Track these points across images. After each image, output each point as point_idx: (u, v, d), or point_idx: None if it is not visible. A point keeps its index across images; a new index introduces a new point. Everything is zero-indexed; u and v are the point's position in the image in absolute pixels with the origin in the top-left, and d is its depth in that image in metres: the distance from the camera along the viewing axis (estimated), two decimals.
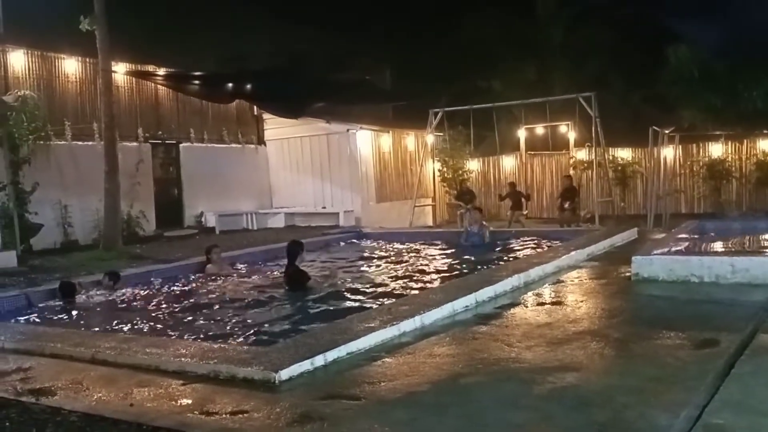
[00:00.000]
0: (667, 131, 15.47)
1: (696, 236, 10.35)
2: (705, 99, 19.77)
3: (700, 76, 19.92)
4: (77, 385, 4.45)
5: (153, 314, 7.57)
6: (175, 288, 9.16)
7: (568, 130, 18.67)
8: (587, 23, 23.00)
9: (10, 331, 6.06)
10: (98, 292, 8.47)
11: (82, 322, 7.35)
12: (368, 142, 18.72)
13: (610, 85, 21.64)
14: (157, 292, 8.93)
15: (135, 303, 8.31)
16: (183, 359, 4.68)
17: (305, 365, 4.44)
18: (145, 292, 8.84)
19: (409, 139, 20.05)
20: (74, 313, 7.77)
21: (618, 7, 23.28)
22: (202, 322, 7.10)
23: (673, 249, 8.30)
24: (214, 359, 4.62)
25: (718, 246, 10.07)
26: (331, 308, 7.39)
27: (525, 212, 17.31)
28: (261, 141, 19.82)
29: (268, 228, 17.92)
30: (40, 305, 8.05)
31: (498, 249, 11.59)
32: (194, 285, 9.35)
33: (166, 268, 10.18)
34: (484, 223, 12.72)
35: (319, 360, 4.55)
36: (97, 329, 6.80)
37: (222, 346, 5.35)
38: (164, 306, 8.01)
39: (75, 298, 8.18)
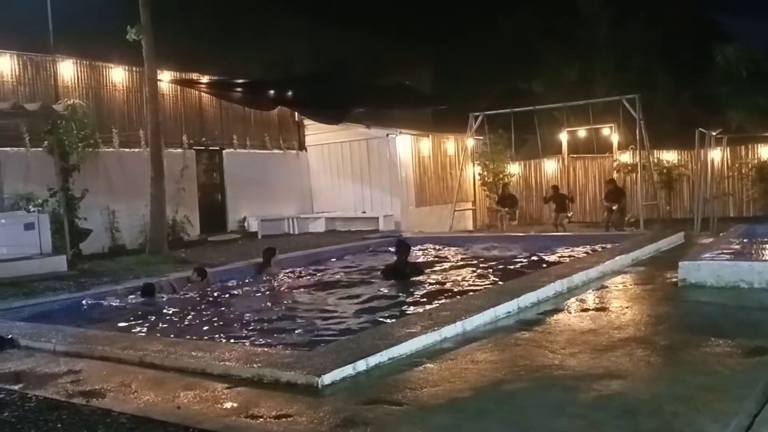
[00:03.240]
0: (714, 133, 15.11)
1: (745, 241, 10.08)
2: (754, 99, 19.24)
3: (749, 75, 19.40)
4: (126, 387, 4.55)
5: (225, 316, 7.79)
6: (248, 288, 9.47)
7: (611, 133, 18.38)
8: (631, 22, 22.58)
9: (60, 334, 6.22)
10: (187, 288, 9.12)
11: (154, 322, 7.68)
12: (408, 147, 18.73)
13: (654, 85, 21.23)
14: (225, 293, 9.19)
15: (206, 305, 8.55)
16: (228, 363, 4.76)
17: (347, 370, 4.46)
18: (212, 295, 9.12)
19: (449, 143, 19.99)
20: (150, 313, 8.11)
21: (663, 5, 22.76)
22: (273, 322, 7.33)
23: (722, 254, 8.10)
24: (258, 363, 4.68)
25: None
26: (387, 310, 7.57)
27: (569, 215, 17.11)
28: (302, 146, 20.01)
29: (309, 232, 18.07)
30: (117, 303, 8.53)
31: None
32: (257, 286, 9.64)
33: (218, 270, 10.40)
34: None
35: (361, 365, 4.57)
36: (155, 330, 7.08)
37: (265, 350, 5.42)
38: (238, 308, 8.23)
39: (154, 297, 8.68)
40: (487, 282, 9.05)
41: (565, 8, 23.31)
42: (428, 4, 25.22)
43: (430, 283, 9.23)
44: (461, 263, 11.25)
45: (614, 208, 15.88)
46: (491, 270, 10.23)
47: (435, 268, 10.61)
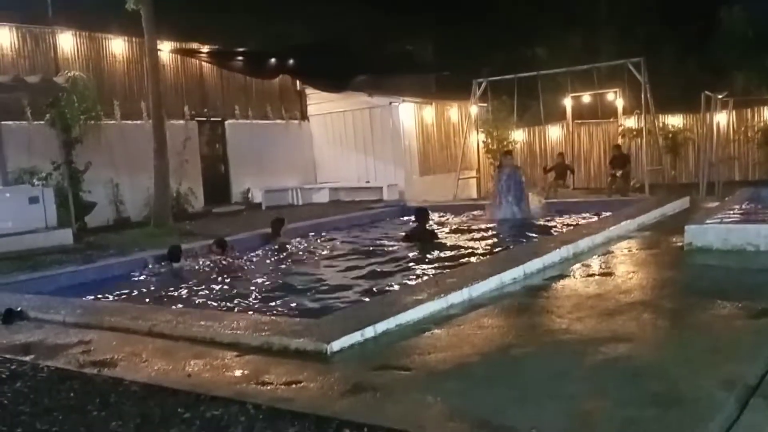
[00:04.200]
0: (720, 96, 14.98)
1: (751, 204, 10.05)
2: (760, 62, 19.03)
3: (756, 38, 19.16)
4: (136, 356, 4.59)
5: (235, 286, 7.84)
6: (259, 259, 9.58)
7: (615, 98, 18.23)
8: None
9: (69, 305, 6.27)
10: (208, 259, 9.25)
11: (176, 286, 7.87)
12: (411, 115, 18.62)
13: (659, 50, 20.98)
14: (235, 263, 9.26)
15: (222, 274, 8.63)
16: (237, 331, 4.79)
17: (355, 336, 4.49)
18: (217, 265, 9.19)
19: (453, 111, 19.86)
20: (161, 283, 8.27)
21: None
22: (283, 291, 7.41)
23: (728, 217, 8.08)
24: (267, 331, 4.71)
25: None
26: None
27: (569, 186, 17.13)
28: (304, 116, 19.91)
29: (313, 203, 18.06)
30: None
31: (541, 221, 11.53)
32: (267, 257, 9.73)
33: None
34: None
35: (369, 331, 4.59)
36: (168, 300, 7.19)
37: (274, 318, 5.46)
38: (248, 278, 8.33)
39: (180, 262, 8.87)
40: (500, 248, 9.10)
41: None
42: None
43: (445, 250, 9.31)
44: (474, 230, 11.29)
45: (618, 174, 15.87)
46: (502, 236, 10.27)
47: (451, 236, 10.68)
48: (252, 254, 9.83)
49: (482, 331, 4.67)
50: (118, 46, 15.52)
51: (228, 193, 17.87)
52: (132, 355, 4.62)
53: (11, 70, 13.01)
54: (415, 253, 9.32)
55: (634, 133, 17.58)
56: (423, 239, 9.82)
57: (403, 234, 10.46)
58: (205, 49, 17.10)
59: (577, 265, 6.81)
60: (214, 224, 13.50)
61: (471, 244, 9.86)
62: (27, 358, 4.77)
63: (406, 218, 13.62)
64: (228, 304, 6.90)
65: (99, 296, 7.27)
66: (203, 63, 17.28)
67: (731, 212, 8.76)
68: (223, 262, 9.20)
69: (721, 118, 16.16)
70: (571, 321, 4.73)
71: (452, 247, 9.58)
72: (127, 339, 5.06)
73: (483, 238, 10.37)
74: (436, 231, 10.52)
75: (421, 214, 10.34)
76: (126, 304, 6.42)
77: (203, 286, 7.87)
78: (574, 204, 13.14)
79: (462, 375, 3.82)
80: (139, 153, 14.28)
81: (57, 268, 8.77)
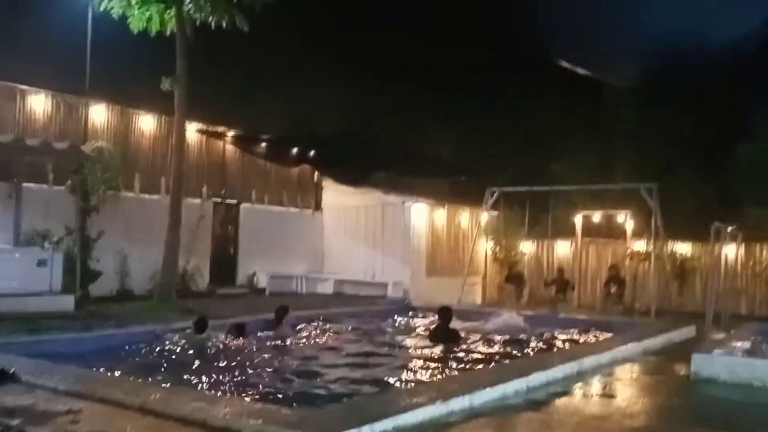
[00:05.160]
0: (729, 229, 15.08)
1: (759, 339, 9.92)
2: None
3: None
4: None
5: (231, 370, 7.63)
6: (263, 345, 9.43)
7: (626, 219, 18.40)
8: (654, 115, 22.84)
9: (62, 372, 6.17)
10: (226, 341, 9.27)
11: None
12: (423, 215, 18.83)
13: (674, 174, 21.26)
14: (241, 347, 9.14)
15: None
16: (230, 417, 4.67)
17: None
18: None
19: (464, 215, 20.08)
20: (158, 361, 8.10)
21: (690, 99, 22.90)
22: (278, 379, 7.25)
23: (736, 350, 7.98)
24: (261, 419, 4.60)
25: None
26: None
27: (566, 301, 17.10)
28: (318, 207, 20.18)
29: (317, 293, 17.97)
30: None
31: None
32: (268, 343, 9.57)
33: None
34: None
35: (365, 430, 4.47)
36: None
37: (269, 406, 5.33)
38: (246, 363, 8.11)
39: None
40: (505, 358, 8.99)
41: (591, 96, 23.69)
42: (453, 79, 25.68)
43: (456, 352, 9.25)
44: (485, 336, 11.12)
45: (613, 290, 15.93)
46: (510, 345, 10.18)
47: (469, 338, 10.57)
48: (254, 339, 9.69)
49: None
50: (146, 121, 16.00)
51: (234, 275, 17.86)
52: (120, 431, 4.50)
53: (41, 134, 13.38)
54: (427, 351, 9.22)
55: (643, 256, 17.61)
56: (444, 338, 9.82)
57: (427, 332, 10.42)
58: (231, 133, 17.59)
59: (581, 384, 6.70)
60: (217, 305, 13.38)
61: (479, 349, 9.75)
62: (13, 423, 4.65)
63: (409, 315, 13.60)
64: (224, 386, 6.75)
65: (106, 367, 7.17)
66: (226, 145, 17.72)
67: (739, 345, 8.64)
68: (226, 345, 9.11)
69: (730, 250, 16.19)
70: None
71: (461, 350, 9.47)
72: (117, 413, 4.95)
73: (491, 345, 10.22)
74: (457, 331, 10.42)
75: (444, 313, 10.34)
76: (120, 377, 6.29)
77: (202, 367, 7.73)
78: (574, 321, 13.01)
79: None
80: (152, 227, 14.38)
81: (58, 332, 8.70)
